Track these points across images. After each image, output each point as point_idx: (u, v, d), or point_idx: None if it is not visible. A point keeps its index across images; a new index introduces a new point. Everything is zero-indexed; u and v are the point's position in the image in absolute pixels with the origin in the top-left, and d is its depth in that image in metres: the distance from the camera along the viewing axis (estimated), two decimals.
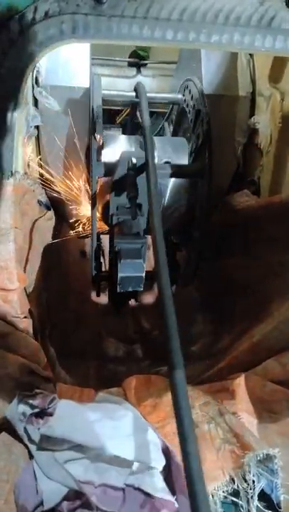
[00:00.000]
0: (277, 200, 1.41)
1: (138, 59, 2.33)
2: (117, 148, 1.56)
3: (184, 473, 0.96)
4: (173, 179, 1.57)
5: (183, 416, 0.55)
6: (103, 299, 2.03)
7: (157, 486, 0.94)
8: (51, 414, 0.99)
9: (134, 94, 1.46)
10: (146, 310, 2.32)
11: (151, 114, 2.32)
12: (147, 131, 1.10)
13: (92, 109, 1.38)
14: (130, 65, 2.33)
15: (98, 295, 1.55)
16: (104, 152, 1.52)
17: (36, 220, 1.44)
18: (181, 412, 0.56)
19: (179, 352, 0.62)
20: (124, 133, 1.78)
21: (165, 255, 0.78)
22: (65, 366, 1.81)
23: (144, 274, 1.20)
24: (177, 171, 1.38)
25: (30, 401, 1.00)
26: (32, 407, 0.99)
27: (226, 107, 1.69)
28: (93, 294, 2.17)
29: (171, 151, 1.59)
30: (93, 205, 1.36)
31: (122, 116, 2.27)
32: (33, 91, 1.49)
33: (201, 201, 1.53)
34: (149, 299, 2.33)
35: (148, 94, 1.62)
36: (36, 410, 0.99)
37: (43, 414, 1.00)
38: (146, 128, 1.10)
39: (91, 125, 1.41)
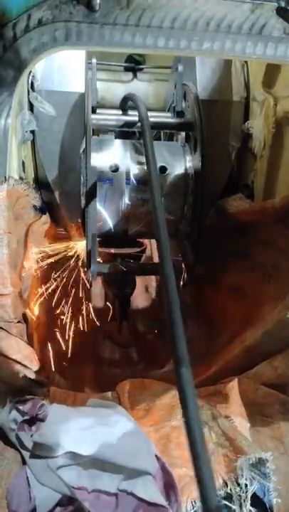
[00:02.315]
0: (271, 204, 1.42)
1: (134, 64, 2.34)
2: (112, 152, 1.57)
3: (174, 479, 0.97)
4: (167, 183, 1.58)
5: (190, 415, 0.55)
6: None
7: (150, 491, 0.94)
8: (43, 420, 0.99)
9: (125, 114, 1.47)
10: (141, 314, 2.32)
11: None
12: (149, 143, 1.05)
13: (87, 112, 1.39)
14: (126, 69, 2.33)
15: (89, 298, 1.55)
16: (98, 156, 1.53)
17: (31, 225, 1.45)
18: (189, 411, 0.55)
19: (184, 349, 0.61)
20: (119, 137, 1.79)
21: (170, 254, 0.78)
22: (61, 370, 1.81)
23: None
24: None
25: (21, 407, 1.00)
26: (22, 413, 0.99)
27: (221, 112, 1.70)
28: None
29: (168, 156, 1.60)
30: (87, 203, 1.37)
31: None
32: (28, 96, 1.50)
33: (196, 205, 1.53)
34: (143, 302, 2.34)
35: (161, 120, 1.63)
36: (26, 417, 0.99)
37: (34, 420, 1.00)
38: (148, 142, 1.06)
39: (85, 129, 1.42)
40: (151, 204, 0.86)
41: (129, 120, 1.50)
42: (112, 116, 1.54)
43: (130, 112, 1.50)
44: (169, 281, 0.69)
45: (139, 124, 1.24)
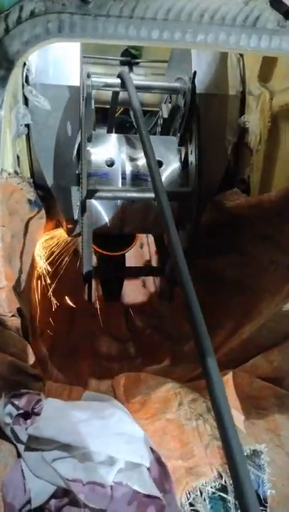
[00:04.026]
0: (267, 198, 1.42)
1: (130, 57, 2.33)
2: (107, 147, 1.56)
3: (169, 471, 0.97)
4: (164, 177, 1.57)
5: (221, 406, 0.55)
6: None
7: (145, 483, 0.95)
8: (38, 414, 1.00)
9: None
10: (139, 309, 2.33)
11: (144, 113, 2.32)
12: (141, 122, 1.06)
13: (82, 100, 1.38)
14: (122, 63, 2.32)
15: (90, 300, 1.55)
16: (94, 151, 1.53)
17: (27, 219, 1.44)
18: (219, 402, 0.55)
19: (208, 339, 0.62)
20: (115, 131, 1.78)
21: (181, 250, 0.77)
22: (58, 364, 1.82)
23: None
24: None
25: (16, 402, 1.00)
26: (17, 408, 1.00)
27: (217, 106, 1.69)
28: (85, 297, 2.18)
29: (163, 150, 1.60)
30: (84, 201, 1.36)
31: (116, 114, 2.27)
32: (23, 89, 1.49)
33: (192, 199, 1.53)
34: (141, 297, 2.34)
35: (144, 83, 1.61)
36: (21, 411, 0.99)
37: (29, 414, 1.00)
38: (140, 120, 1.07)
39: (81, 123, 1.41)
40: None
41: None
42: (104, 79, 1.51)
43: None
44: (185, 280, 0.69)
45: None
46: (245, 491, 0.50)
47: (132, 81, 1.32)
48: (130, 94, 1.21)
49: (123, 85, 1.35)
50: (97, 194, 1.40)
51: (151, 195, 1.40)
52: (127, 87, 1.27)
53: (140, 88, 1.51)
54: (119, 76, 1.42)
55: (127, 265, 2.00)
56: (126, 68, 2.29)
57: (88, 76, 1.38)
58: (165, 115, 1.76)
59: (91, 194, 1.38)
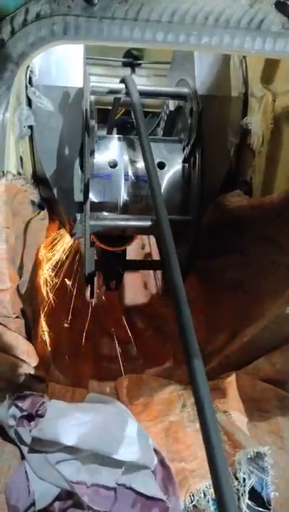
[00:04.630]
0: (269, 200, 1.42)
1: (132, 59, 2.33)
2: (110, 148, 1.57)
3: (173, 473, 0.97)
4: (166, 179, 1.58)
5: (205, 408, 0.56)
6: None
7: (149, 485, 0.95)
8: (42, 416, 1.00)
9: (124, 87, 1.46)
10: (140, 310, 2.33)
11: (146, 114, 2.32)
12: (142, 129, 1.08)
13: (86, 110, 1.38)
14: (124, 64, 2.32)
15: (92, 297, 1.56)
16: (96, 152, 1.53)
17: (29, 220, 1.44)
18: (203, 403, 0.56)
19: (194, 341, 0.62)
20: (117, 133, 1.78)
21: (173, 245, 0.78)
22: (60, 366, 1.82)
23: None
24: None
25: (20, 404, 1.00)
26: (21, 410, 1.00)
27: (219, 108, 1.69)
28: (87, 295, 2.18)
29: (165, 152, 1.60)
30: (85, 198, 1.37)
31: (118, 115, 2.27)
32: (26, 91, 1.49)
33: (194, 201, 1.54)
34: (142, 299, 2.34)
35: (149, 88, 1.62)
36: (25, 413, 0.99)
37: (33, 416, 1.00)
38: (141, 126, 1.09)
39: (84, 125, 1.42)
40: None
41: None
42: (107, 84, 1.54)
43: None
44: (175, 279, 0.69)
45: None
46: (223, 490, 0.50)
47: (136, 87, 1.32)
48: (133, 101, 1.22)
49: (127, 93, 1.35)
50: (100, 223, 1.46)
51: (148, 223, 1.44)
52: (131, 94, 1.27)
53: (144, 94, 1.52)
54: (122, 81, 1.43)
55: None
56: (128, 70, 2.29)
57: (92, 113, 1.39)
58: (171, 108, 1.76)
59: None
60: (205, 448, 0.54)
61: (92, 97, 1.52)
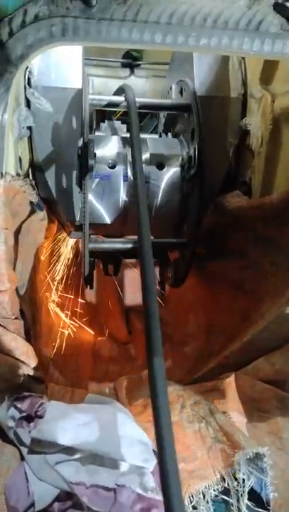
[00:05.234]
0: (268, 201, 1.42)
1: (131, 60, 2.33)
2: (109, 149, 1.57)
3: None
4: (165, 179, 1.58)
5: (160, 406, 0.56)
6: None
7: (148, 485, 0.95)
8: (41, 417, 1.00)
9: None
10: (139, 310, 2.33)
11: (145, 115, 2.33)
12: (136, 142, 1.10)
13: (85, 108, 1.39)
14: (123, 65, 2.32)
15: (92, 287, 1.57)
16: (96, 153, 1.53)
17: (29, 221, 1.44)
18: (159, 401, 0.57)
19: (159, 339, 0.62)
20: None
21: (149, 235, 0.80)
22: (59, 367, 1.82)
23: None
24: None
25: (19, 405, 1.00)
26: (20, 411, 1.00)
27: (218, 108, 1.69)
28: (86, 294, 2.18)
29: (164, 152, 1.60)
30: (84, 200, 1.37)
31: (117, 116, 2.28)
32: (25, 92, 1.49)
33: (194, 201, 1.54)
34: (141, 299, 2.34)
35: (149, 100, 1.65)
36: (24, 414, 0.99)
37: (32, 417, 1.00)
38: (135, 139, 1.10)
39: (82, 127, 1.42)
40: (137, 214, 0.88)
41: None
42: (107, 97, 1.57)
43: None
44: (146, 271, 0.70)
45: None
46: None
47: (135, 98, 1.33)
48: (131, 113, 1.23)
49: (128, 108, 1.35)
50: (98, 246, 1.51)
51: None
52: (129, 107, 1.28)
53: (144, 107, 1.54)
54: (120, 92, 1.44)
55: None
56: (127, 70, 2.30)
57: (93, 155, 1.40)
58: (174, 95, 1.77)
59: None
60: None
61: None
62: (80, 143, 1.47)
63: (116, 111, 1.87)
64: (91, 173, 1.43)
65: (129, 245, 1.53)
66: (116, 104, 1.53)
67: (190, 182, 1.56)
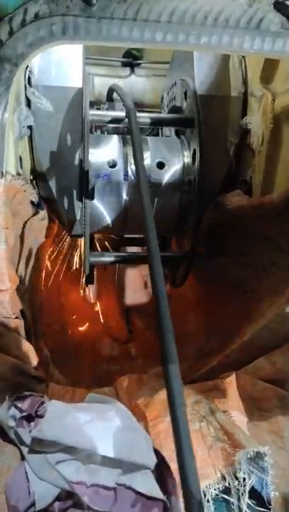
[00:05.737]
0: (269, 200, 1.42)
1: (132, 59, 2.33)
2: (109, 148, 1.57)
3: (172, 473, 0.97)
4: (166, 179, 1.58)
5: (177, 412, 0.56)
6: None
7: (148, 485, 0.94)
8: (42, 416, 1.00)
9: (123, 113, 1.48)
10: (140, 310, 2.33)
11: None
12: (136, 138, 1.09)
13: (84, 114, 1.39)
14: (124, 64, 2.32)
15: (92, 282, 1.57)
16: (96, 152, 1.53)
17: (29, 220, 1.44)
18: (175, 407, 0.56)
19: (173, 346, 0.62)
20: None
21: (158, 247, 0.79)
22: (59, 366, 1.82)
23: None
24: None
25: (19, 405, 1.00)
26: (21, 411, 1.00)
27: (219, 107, 1.69)
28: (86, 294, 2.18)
29: (165, 151, 1.60)
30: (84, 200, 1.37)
31: None
32: (25, 91, 1.49)
33: (194, 201, 1.54)
34: (142, 298, 2.34)
35: (152, 115, 1.65)
36: (25, 414, 0.99)
37: (33, 417, 1.00)
38: (136, 137, 1.10)
39: (82, 129, 1.42)
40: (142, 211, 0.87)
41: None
42: (109, 112, 1.55)
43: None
44: (156, 276, 0.69)
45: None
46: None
47: (136, 113, 1.33)
48: (131, 118, 1.23)
49: (127, 116, 1.35)
50: (99, 259, 1.51)
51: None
52: (130, 120, 1.28)
53: (148, 124, 1.54)
54: (111, 92, 1.44)
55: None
56: (128, 69, 2.30)
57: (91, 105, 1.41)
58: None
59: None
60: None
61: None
62: (80, 154, 1.48)
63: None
64: (92, 194, 1.44)
65: (130, 258, 1.53)
66: (119, 120, 1.54)
67: (190, 181, 1.56)
